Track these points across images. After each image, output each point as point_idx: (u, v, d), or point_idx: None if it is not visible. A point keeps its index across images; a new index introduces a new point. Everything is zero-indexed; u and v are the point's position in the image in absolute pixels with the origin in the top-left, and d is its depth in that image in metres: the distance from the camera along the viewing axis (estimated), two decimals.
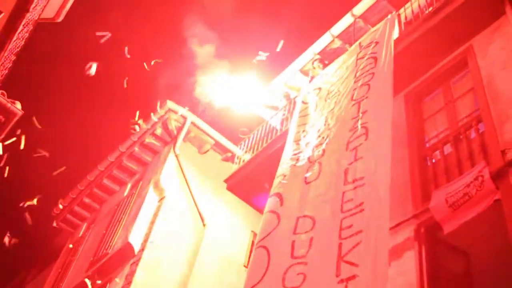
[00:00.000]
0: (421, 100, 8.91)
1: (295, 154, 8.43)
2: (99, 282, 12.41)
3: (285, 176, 8.10)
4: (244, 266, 13.06)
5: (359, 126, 7.45)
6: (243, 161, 11.49)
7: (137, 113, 13.23)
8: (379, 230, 5.93)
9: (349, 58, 9.72)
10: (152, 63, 12.68)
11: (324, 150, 7.78)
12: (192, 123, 14.52)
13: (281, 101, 13.07)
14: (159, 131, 14.65)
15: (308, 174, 7.61)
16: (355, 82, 8.69)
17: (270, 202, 7.81)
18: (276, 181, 8.18)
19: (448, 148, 7.63)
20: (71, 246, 15.86)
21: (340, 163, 7.20)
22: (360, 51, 9.47)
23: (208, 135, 14.66)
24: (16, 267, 22.59)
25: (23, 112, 12.36)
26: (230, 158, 14.12)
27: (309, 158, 7.95)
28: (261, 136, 11.62)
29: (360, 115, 7.69)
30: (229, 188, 11.36)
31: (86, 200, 16.56)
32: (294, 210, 7.24)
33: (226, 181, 11.37)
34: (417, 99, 8.91)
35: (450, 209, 6.44)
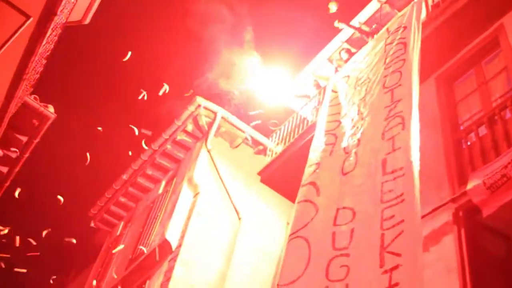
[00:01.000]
0: (452, 83, 8.78)
1: (329, 144, 8.35)
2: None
3: (319, 165, 8.03)
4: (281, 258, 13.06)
5: (395, 115, 7.36)
6: (276, 153, 11.48)
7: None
8: (417, 218, 5.89)
9: (377, 44, 9.62)
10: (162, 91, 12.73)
11: (359, 140, 7.70)
12: (223, 117, 14.54)
13: (310, 91, 13.01)
14: (190, 127, 14.71)
15: (344, 165, 7.54)
16: (385, 69, 8.59)
17: (305, 191, 7.74)
18: (309, 170, 8.12)
19: (483, 130, 7.51)
20: (114, 250, 16.04)
21: (377, 153, 7.13)
22: (388, 37, 9.36)
23: (239, 129, 14.66)
24: (57, 268, 22.97)
25: (56, 115, 12.56)
26: (262, 151, 14.12)
27: (344, 149, 7.87)
28: (292, 127, 11.59)
29: (395, 103, 7.60)
30: (263, 181, 11.36)
31: (122, 199, 16.76)
32: (333, 200, 7.16)
33: (259, 173, 11.37)
34: (448, 82, 8.78)
35: (488, 191, 6.33)
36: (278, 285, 6.76)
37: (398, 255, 5.64)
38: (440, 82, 8.80)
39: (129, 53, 11.53)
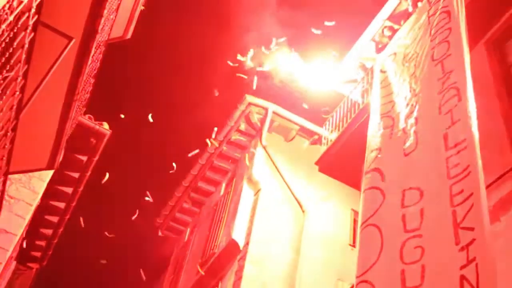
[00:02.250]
0: (503, 45, 8.48)
1: (387, 128, 8.19)
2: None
3: (380, 150, 7.90)
4: (350, 245, 12.98)
5: (449, 87, 7.17)
6: (331, 140, 11.38)
7: None
8: (483, 189, 5.75)
9: (420, 17, 9.39)
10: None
11: (416, 119, 7.54)
12: (274, 112, 14.54)
13: (358, 74, 12.84)
14: (243, 126, 14.77)
15: (405, 146, 7.39)
16: (431, 40, 8.37)
17: (369, 178, 7.64)
18: (370, 156, 8.00)
19: None
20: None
21: (436, 129, 6.96)
22: (430, 8, 9.12)
23: (291, 121, 14.63)
24: (130, 282, 23.47)
25: (111, 131, 12.83)
26: (318, 141, 14.02)
27: (403, 130, 7.71)
28: (345, 113, 11.46)
29: (447, 75, 7.41)
30: (321, 170, 11.27)
31: (186, 205, 16.98)
32: (398, 183, 7.03)
33: (317, 163, 11.29)
34: (498, 45, 8.49)
35: None
36: (356, 277, 6.72)
37: (471, 229, 5.49)
38: (490, 46, 8.51)
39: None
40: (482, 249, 5.29)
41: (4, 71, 3.99)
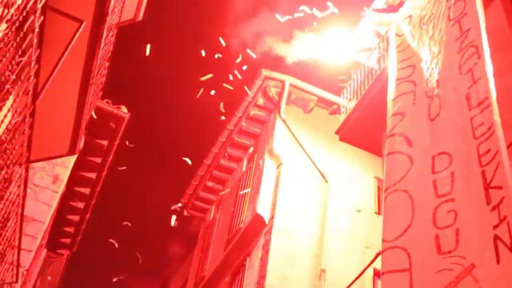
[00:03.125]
0: None
1: (409, 92, 8.07)
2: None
3: (404, 115, 7.79)
4: (375, 212, 12.95)
5: (468, 46, 7.05)
6: (349, 109, 11.29)
7: None
8: (505, 146, 5.70)
9: None
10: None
11: (438, 81, 7.42)
12: (291, 85, 14.45)
13: (373, 40, 12.66)
14: (261, 101, 14.72)
15: (430, 110, 7.29)
16: (447, 1, 8.22)
17: (394, 143, 7.55)
18: (393, 121, 7.88)
19: None
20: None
21: (458, 89, 6.86)
22: None
23: (309, 93, 14.54)
24: (160, 263, 23.73)
25: (129, 114, 12.88)
26: (337, 110, 13.93)
27: (426, 93, 7.60)
28: (362, 79, 11.34)
29: (464, 34, 7.28)
30: (342, 139, 11.20)
31: (209, 183, 17.04)
32: (427, 149, 6.96)
33: (337, 132, 11.21)
34: None
35: None
36: (384, 241, 6.68)
37: (500, 188, 5.47)
38: (507, 1, 8.32)
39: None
40: (511, 207, 5.26)
41: (17, 56, 3.99)
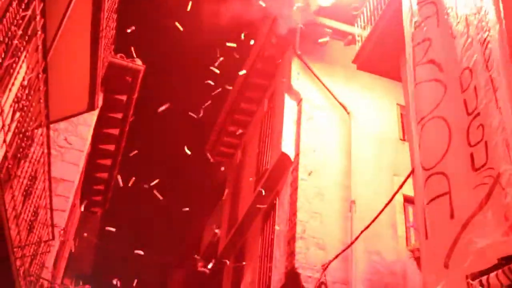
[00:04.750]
0: None
1: (432, 15, 7.83)
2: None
3: (430, 40, 7.62)
4: (400, 139, 12.88)
5: None
6: (365, 37, 11.07)
7: None
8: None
9: None
10: None
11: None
12: (304, 19, 14.19)
13: None
14: (274, 40, 14.53)
15: (453, 30, 7.14)
16: None
17: (426, 71, 7.43)
18: (422, 48, 7.70)
19: None
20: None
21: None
22: None
23: (323, 25, 14.27)
24: (192, 213, 24.04)
25: (144, 66, 12.83)
26: (352, 41, 13.65)
27: (448, 14, 7.41)
28: (375, 6, 11.07)
29: None
30: (360, 67, 11.03)
31: (231, 128, 17.03)
32: (454, 69, 6.88)
33: (354, 61, 11.03)
34: None
35: None
36: (424, 169, 6.70)
37: None
38: None
39: None
40: None
41: (20, 9, 3.94)
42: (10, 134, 4.39)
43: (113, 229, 11.48)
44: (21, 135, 4.73)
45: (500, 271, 5.66)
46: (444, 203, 6.23)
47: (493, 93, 5.77)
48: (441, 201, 6.31)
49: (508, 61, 5.72)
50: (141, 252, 12.49)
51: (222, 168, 14.61)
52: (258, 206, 13.34)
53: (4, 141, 4.24)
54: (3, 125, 4.15)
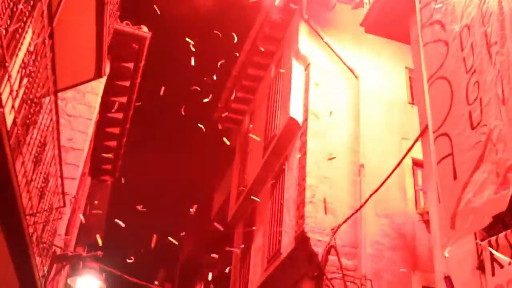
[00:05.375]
0: None
1: None
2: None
3: (436, 0, 7.56)
4: (409, 103, 12.82)
5: None
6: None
7: None
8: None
9: None
10: None
11: None
12: None
13: None
14: (281, 4, 14.38)
15: None
16: None
17: (432, 31, 7.39)
18: (428, 9, 7.65)
19: None
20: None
21: None
22: None
23: None
24: (201, 180, 24.19)
25: (151, 33, 12.74)
26: (360, 4, 13.48)
27: None
28: None
29: None
30: (368, 30, 10.90)
31: (239, 94, 16.99)
32: (455, 28, 6.85)
33: (362, 24, 10.89)
34: None
35: None
36: (432, 130, 6.70)
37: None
38: None
39: None
40: None
41: None
42: (18, 100, 4.40)
43: (122, 224, 11.53)
44: (29, 101, 4.74)
45: (509, 231, 5.69)
46: (448, 164, 6.25)
47: (487, 49, 5.75)
48: (445, 163, 6.33)
49: None
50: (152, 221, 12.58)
51: (227, 139, 14.50)
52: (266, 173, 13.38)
53: (13, 106, 4.26)
54: (11, 91, 4.16)
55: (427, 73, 7.20)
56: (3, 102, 3.71)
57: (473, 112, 6.00)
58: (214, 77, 12.21)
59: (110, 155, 15.51)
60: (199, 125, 12.49)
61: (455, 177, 6.08)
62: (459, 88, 6.39)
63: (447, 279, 9.81)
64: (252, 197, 14.00)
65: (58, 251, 9.67)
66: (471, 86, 6.12)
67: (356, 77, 12.74)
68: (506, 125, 5.28)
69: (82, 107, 11.89)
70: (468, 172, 5.81)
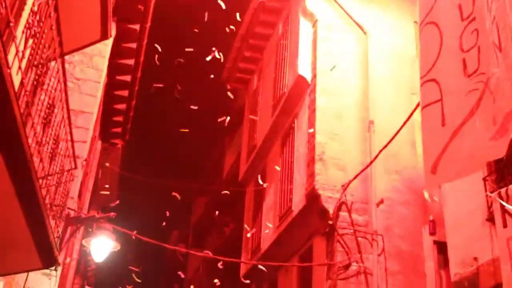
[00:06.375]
0: None
1: None
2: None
3: None
4: (417, 57, 12.67)
5: None
6: None
7: None
8: None
9: None
10: None
11: None
12: None
13: None
14: None
15: None
16: None
17: None
18: None
19: None
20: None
21: None
22: None
23: None
24: (211, 141, 24.24)
25: None
26: None
27: None
28: None
29: None
30: None
31: (247, 53, 16.88)
32: None
33: None
34: None
35: None
36: (420, 77, 6.65)
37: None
38: None
39: None
40: None
41: None
42: (24, 61, 4.39)
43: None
44: (35, 62, 4.73)
45: None
46: (435, 110, 6.22)
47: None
48: (432, 108, 6.29)
49: None
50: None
51: (232, 98, 14.41)
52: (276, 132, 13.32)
53: (19, 67, 4.25)
54: (17, 52, 4.14)
55: (419, 19, 7.12)
56: (9, 63, 3.69)
57: (468, 59, 5.94)
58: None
59: (120, 118, 15.55)
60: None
61: (443, 124, 6.06)
62: (452, 34, 6.29)
63: (431, 222, 10.03)
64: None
65: (72, 213, 9.78)
66: (468, 34, 6.03)
67: (364, 33, 12.60)
68: (504, 72, 5.25)
69: (90, 70, 11.86)
70: (459, 119, 5.79)
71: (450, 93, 6.09)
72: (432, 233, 10.09)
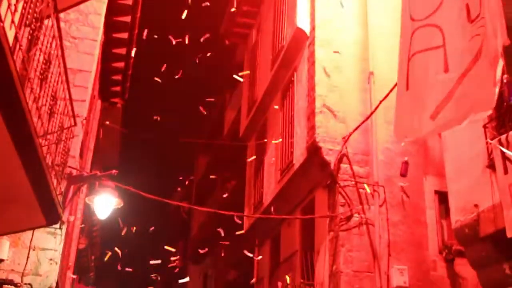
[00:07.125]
0: None
1: None
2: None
3: None
4: None
5: None
6: None
7: None
8: None
9: None
10: None
11: None
12: None
13: None
14: None
15: None
16: None
17: None
18: None
19: None
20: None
21: None
22: None
23: None
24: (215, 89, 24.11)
25: None
26: None
27: None
28: None
29: None
30: None
31: (245, 7, 16.67)
32: None
33: None
34: None
35: None
36: (413, 20, 6.58)
37: None
38: None
39: None
40: None
41: None
42: (17, 15, 4.33)
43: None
44: (28, 16, 4.66)
45: None
46: (437, 56, 6.16)
47: None
48: (434, 54, 6.24)
49: None
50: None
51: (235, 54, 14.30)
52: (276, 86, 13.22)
53: (12, 21, 4.19)
54: (9, 5, 4.08)
55: None
56: (2, 16, 3.64)
57: (471, 5, 5.90)
58: None
59: (118, 77, 15.45)
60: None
61: (446, 70, 6.03)
62: None
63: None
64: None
65: (74, 172, 9.81)
66: None
67: None
68: (497, 15, 5.23)
69: (86, 28, 11.73)
70: (464, 65, 5.76)
71: (454, 39, 6.04)
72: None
